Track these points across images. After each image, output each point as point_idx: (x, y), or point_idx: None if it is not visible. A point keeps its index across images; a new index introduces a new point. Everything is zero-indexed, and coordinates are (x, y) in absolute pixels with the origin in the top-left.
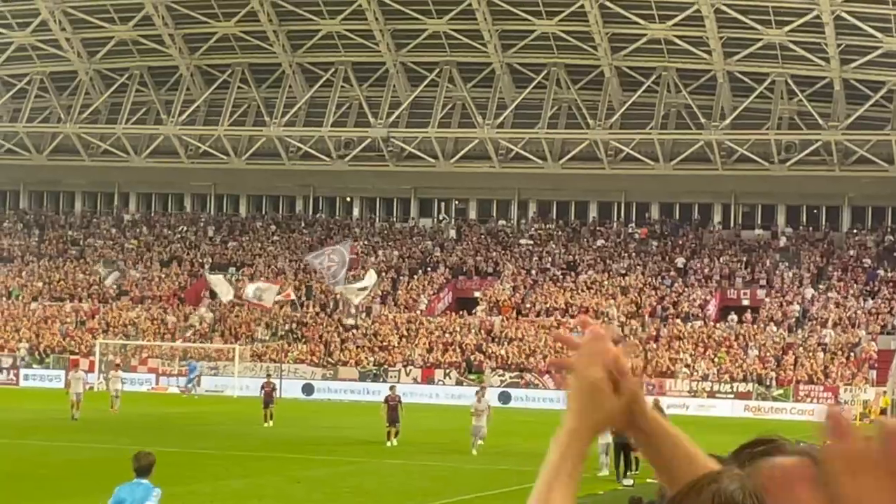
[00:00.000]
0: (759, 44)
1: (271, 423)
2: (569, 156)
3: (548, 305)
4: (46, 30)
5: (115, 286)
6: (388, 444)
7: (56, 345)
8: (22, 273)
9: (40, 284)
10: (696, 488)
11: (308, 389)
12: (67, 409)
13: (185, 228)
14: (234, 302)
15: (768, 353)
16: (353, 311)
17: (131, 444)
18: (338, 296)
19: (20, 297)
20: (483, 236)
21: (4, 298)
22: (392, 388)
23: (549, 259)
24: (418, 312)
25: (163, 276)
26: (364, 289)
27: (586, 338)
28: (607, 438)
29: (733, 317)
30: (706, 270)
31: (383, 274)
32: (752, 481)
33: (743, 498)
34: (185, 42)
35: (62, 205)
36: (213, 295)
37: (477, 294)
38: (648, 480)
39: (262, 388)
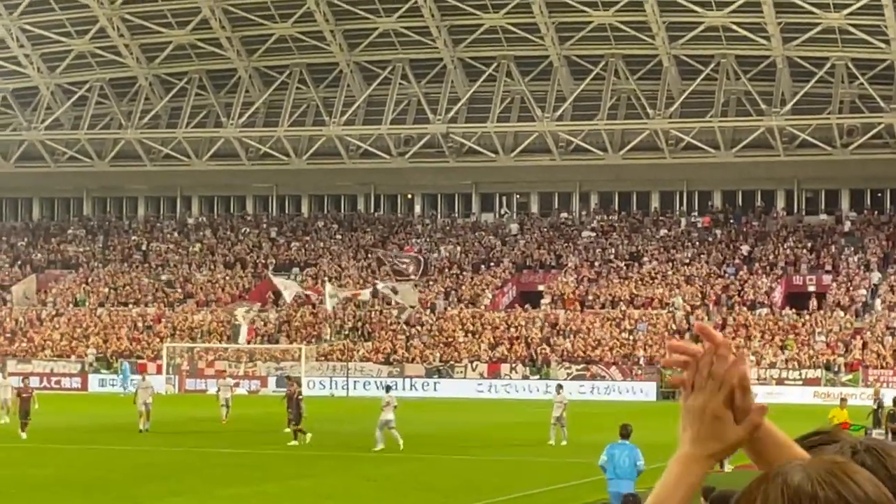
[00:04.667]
0: (818, 28)
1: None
2: (629, 146)
3: (612, 297)
4: (105, 37)
5: (179, 291)
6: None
7: (123, 349)
8: (88, 279)
9: (106, 290)
10: (765, 483)
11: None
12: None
13: (248, 230)
14: (299, 301)
15: (836, 339)
16: (403, 316)
17: (202, 446)
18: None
19: (86, 304)
20: (545, 229)
21: (71, 305)
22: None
23: (613, 250)
24: (482, 308)
25: (227, 278)
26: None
27: (709, 358)
28: None
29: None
30: (771, 257)
31: (446, 270)
32: (816, 470)
33: (812, 486)
34: (242, 44)
35: (125, 210)
36: (278, 296)
37: (541, 287)
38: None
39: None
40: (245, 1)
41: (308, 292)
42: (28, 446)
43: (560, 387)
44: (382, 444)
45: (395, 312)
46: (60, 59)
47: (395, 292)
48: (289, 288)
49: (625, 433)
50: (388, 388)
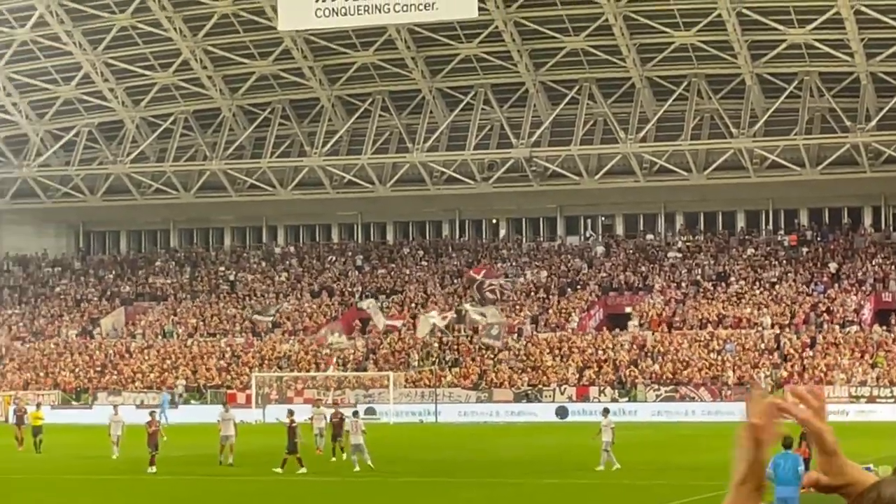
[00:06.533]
0: None
1: (345, 456)
2: (714, 166)
3: (700, 318)
4: (188, 69)
5: (268, 322)
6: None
7: (213, 380)
8: (176, 311)
9: (194, 321)
10: (860, 498)
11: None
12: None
13: (334, 258)
14: (387, 328)
15: None
16: (493, 332)
17: (294, 475)
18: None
19: (175, 335)
20: (631, 251)
21: (160, 337)
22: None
23: (699, 271)
24: (570, 331)
25: (314, 307)
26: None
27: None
28: None
29: None
30: (859, 274)
31: (533, 294)
32: None
33: None
34: (324, 73)
35: (212, 241)
36: (365, 324)
37: (628, 309)
38: None
39: (331, 418)
40: (326, 31)
41: (394, 322)
42: (120, 479)
43: (606, 410)
44: (358, 467)
45: (482, 339)
46: (145, 93)
47: (483, 315)
48: (374, 313)
49: (787, 444)
50: (355, 413)
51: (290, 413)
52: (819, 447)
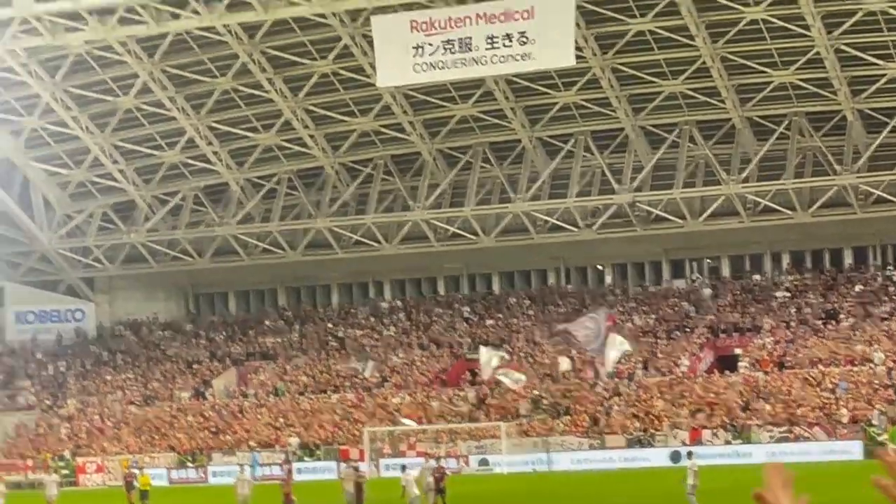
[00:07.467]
0: None
1: None
2: (818, 203)
3: (811, 357)
4: (291, 129)
5: (375, 375)
6: None
7: (325, 436)
8: (286, 369)
9: (305, 378)
10: None
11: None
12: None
13: (441, 311)
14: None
15: None
16: (604, 377)
17: None
18: (596, 363)
19: (286, 393)
20: (738, 292)
21: (272, 395)
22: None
23: (808, 310)
24: (680, 374)
25: (423, 360)
26: (618, 355)
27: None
28: None
29: None
30: None
31: (640, 339)
32: None
33: None
34: (424, 127)
35: (319, 298)
36: (474, 375)
37: (737, 351)
38: None
39: (433, 473)
40: (425, 85)
41: (502, 376)
42: None
43: (690, 454)
44: None
45: (594, 385)
46: (248, 154)
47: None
48: (491, 359)
49: None
50: (403, 468)
51: (357, 469)
52: None
